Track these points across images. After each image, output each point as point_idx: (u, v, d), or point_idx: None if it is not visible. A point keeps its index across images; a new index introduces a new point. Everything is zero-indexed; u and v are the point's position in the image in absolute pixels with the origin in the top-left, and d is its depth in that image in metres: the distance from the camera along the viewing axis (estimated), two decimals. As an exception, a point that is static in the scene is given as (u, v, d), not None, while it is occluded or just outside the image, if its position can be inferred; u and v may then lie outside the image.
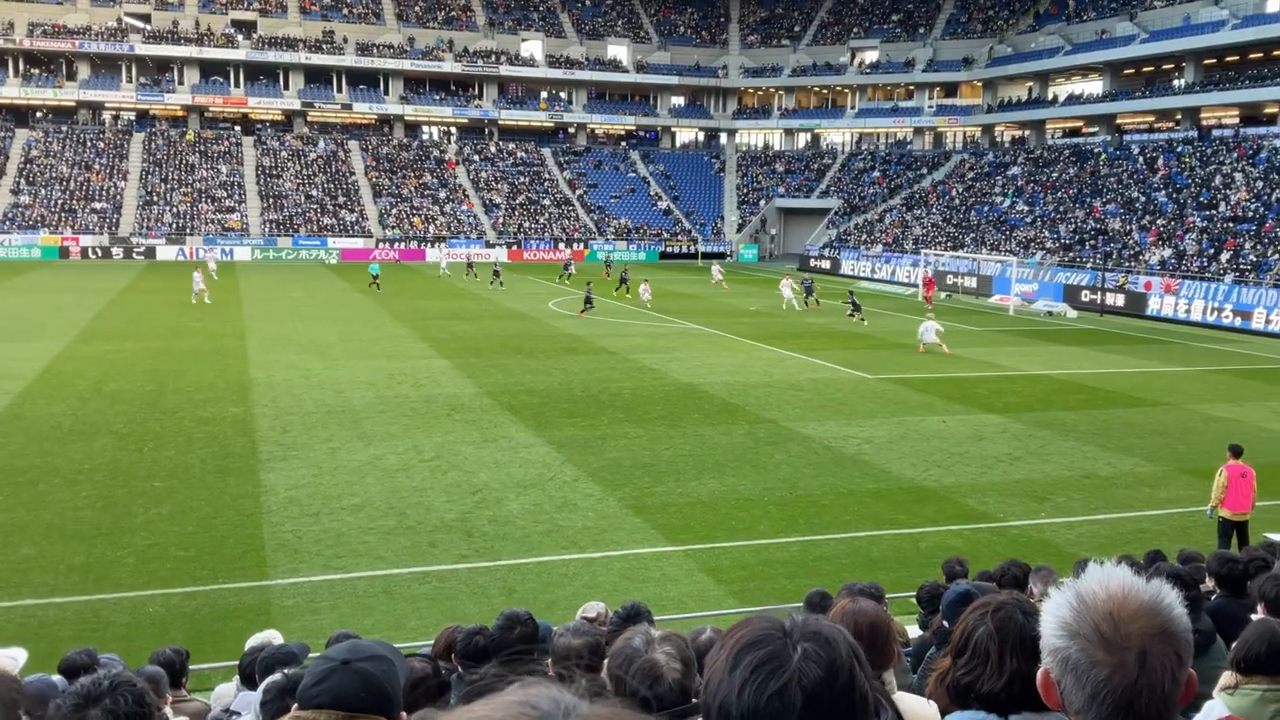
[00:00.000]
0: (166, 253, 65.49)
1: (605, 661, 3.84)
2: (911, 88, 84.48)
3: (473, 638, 5.31)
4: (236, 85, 79.22)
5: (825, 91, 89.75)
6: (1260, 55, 60.82)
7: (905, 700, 3.28)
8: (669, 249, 77.64)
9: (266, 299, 44.35)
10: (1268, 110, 60.04)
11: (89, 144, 74.05)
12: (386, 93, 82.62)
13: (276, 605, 12.33)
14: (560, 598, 12.52)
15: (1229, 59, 63.37)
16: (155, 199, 70.19)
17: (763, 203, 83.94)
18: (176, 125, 78.67)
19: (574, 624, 4.39)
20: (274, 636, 7.66)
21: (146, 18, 78.51)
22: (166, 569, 13.35)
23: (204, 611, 12.13)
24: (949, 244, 63.04)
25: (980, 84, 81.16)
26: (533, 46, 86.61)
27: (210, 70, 79.14)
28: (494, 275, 53.35)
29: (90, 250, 64.79)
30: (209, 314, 38.67)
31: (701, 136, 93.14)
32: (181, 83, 78.12)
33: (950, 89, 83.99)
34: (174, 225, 68.01)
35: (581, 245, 74.13)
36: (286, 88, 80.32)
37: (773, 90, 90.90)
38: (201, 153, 75.61)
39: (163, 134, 76.82)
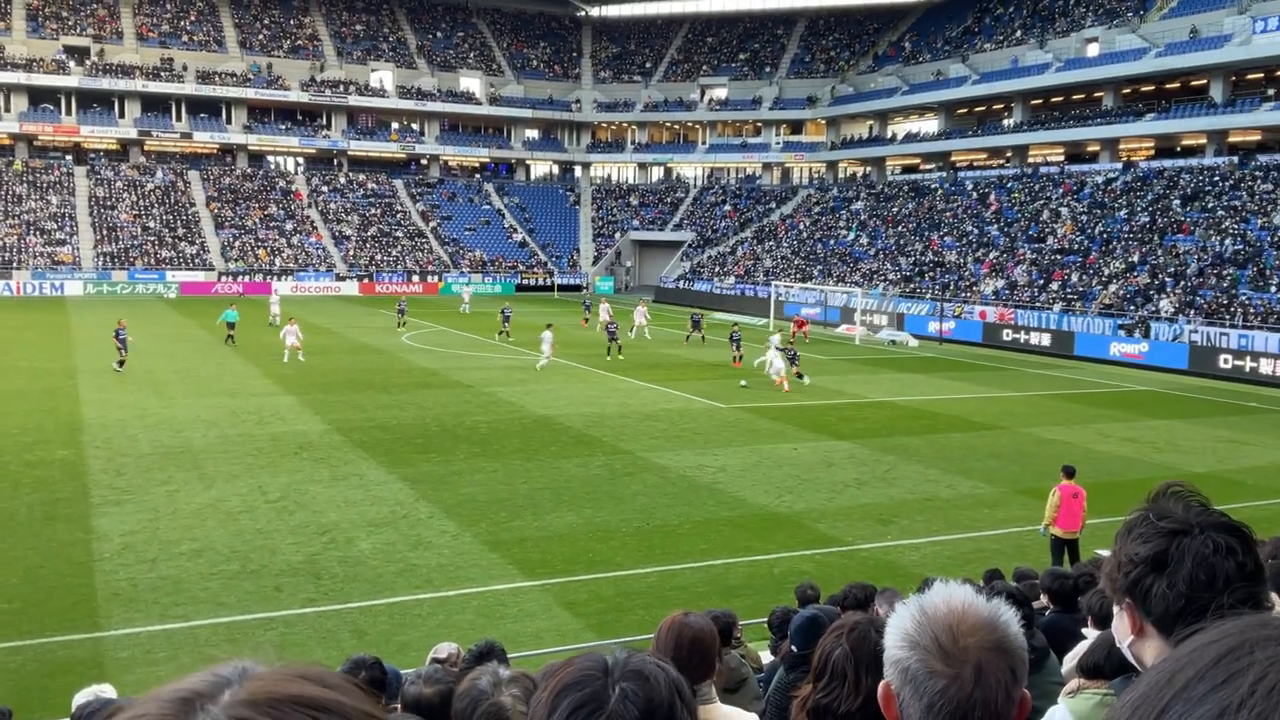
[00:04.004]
0: (-10, 288, 61.83)
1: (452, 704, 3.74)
2: (759, 125, 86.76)
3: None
4: (68, 113, 75.65)
5: (677, 127, 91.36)
6: (1082, 96, 64.81)
7: (723, 711, 3.40)
8: (525, 281, 77.43)
9: (99, 335, 42.20)
10: (1090, 148, 63.88)
11: (-97, 173, 69.54)
12: (229, 122, 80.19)
13: (110, 658, 11.68)
14: (414, 639, 12.22)
15: (1054, 100, 67.31)
16: (-22, 231, 66.29)
17: (618, 235, 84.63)
18: (3, 154, 74.52)
19: (425, 670, 4.27)
20: (105, 691, 7.23)
21: (-32, 41, 74.46)
22: (-13, 624, 12.52)
23: (31, 667, 11.42)
24: (798, 275, 64.72)
25: (824, 122, 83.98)
26: (383, 76, 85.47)
27: (40, 97, 75.32)
28: (504, 319, 45.88)
29: (-96, 285, 60.69)
30: (38, 351, 36.60)
31: (556, 169, 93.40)
32: (8, 110, 74.09)
33: (796, 126, 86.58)
34: (-1, 259, 64.38)
35: (436, 278, 73.23)
36: (122, 116, 77.12)
37: (626, 125, 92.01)
38: (30, 183, 71.79)
39: (-14, 163, 72.71)
